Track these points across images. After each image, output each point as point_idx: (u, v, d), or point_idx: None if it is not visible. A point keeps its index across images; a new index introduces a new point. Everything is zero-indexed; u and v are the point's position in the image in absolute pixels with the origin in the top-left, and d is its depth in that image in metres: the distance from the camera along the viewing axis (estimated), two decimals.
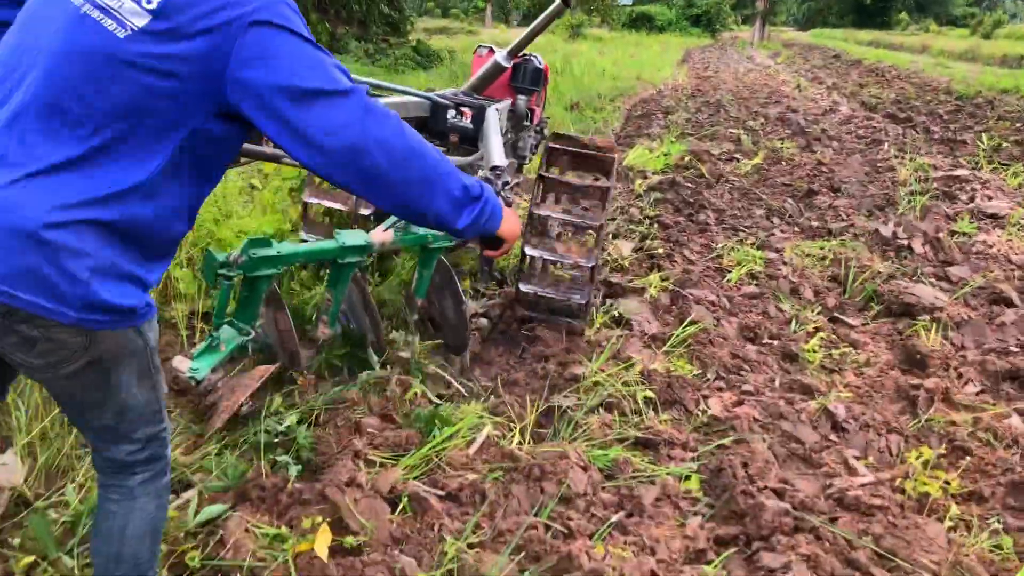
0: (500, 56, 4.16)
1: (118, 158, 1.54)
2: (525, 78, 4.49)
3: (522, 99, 4.50)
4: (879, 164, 9.99)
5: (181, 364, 2.66)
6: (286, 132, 1.62)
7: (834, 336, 4.82)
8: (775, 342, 4.61)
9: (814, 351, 4.51)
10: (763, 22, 52.45)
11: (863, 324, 5.13)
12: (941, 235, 6.59)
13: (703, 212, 7.27)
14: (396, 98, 3.85)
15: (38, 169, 1.49)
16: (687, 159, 9.19)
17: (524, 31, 4.11)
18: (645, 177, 8.35)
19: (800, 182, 9.00)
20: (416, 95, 3.88)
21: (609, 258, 5.85)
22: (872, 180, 9.16)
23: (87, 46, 1.53)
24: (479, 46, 4.73)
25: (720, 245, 6.34)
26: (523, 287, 4.19)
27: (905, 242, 6.45)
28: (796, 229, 7.20)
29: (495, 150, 3.45)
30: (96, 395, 1.69)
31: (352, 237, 3.07)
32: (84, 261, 1.50)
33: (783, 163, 10.25)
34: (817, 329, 4.83)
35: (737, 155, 10.28)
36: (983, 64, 32.11)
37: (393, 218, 3.21)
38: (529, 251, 4.09)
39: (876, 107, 15.80)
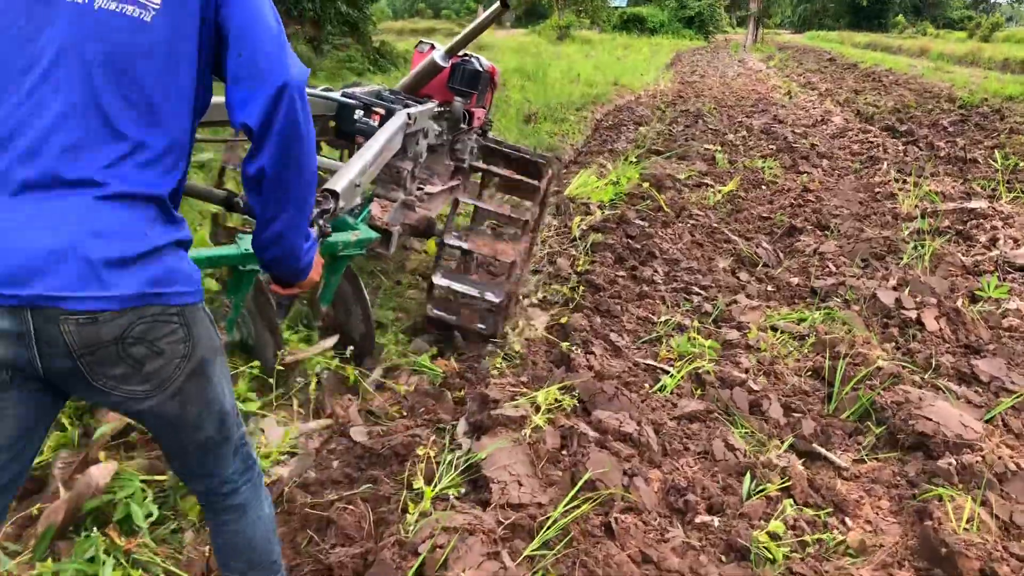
0: (438, 55, 4.05)
1: (162, 123, 1.58)
2: (463, 79, 4.35)
3: (459, 101, 4.33)
4: (877, 190, 8.30)
5: None
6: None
7: (811, 495, 3.12)
8: (716, 520, 2.90)
9: (777, 538, 2.81)
10: (757, 24, 50.73)
11: (855, 461, 3.45)
12: (960, 303, 4.90)
13: (650, 264, 5.57)
14: None
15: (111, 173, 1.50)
16: (644, 186, 7.48)
17: (464, 31, 4.06)
18: (588, 212, 6.65)
19: (781, 214, 7.31)
20: (319, 95, 3.59)
21: (516, 334, 4.21)
22: (868, 213, 7.47)
23: (117, 40, 1.52)
24: (420, 41, 4.64)
25: (663, 319, 4.65)
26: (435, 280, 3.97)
27: (912, 313, 4.76)
28: (770, 288, 5.51)
29: (350, 168, 2.87)
30: (200, 403, 1.69)
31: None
32: (154, 230, 1.53)
33: (763, 187, 8.56)
34: (785, 486, 3.12)
35: (708, 179, 8.58)
36: (984, 68, 30.33)
37: None
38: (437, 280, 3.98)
39: (873, 117, 14.07)
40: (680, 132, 11.99)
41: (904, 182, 8.41)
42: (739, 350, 4.35)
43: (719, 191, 7.92)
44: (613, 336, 4.30)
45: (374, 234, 3.27)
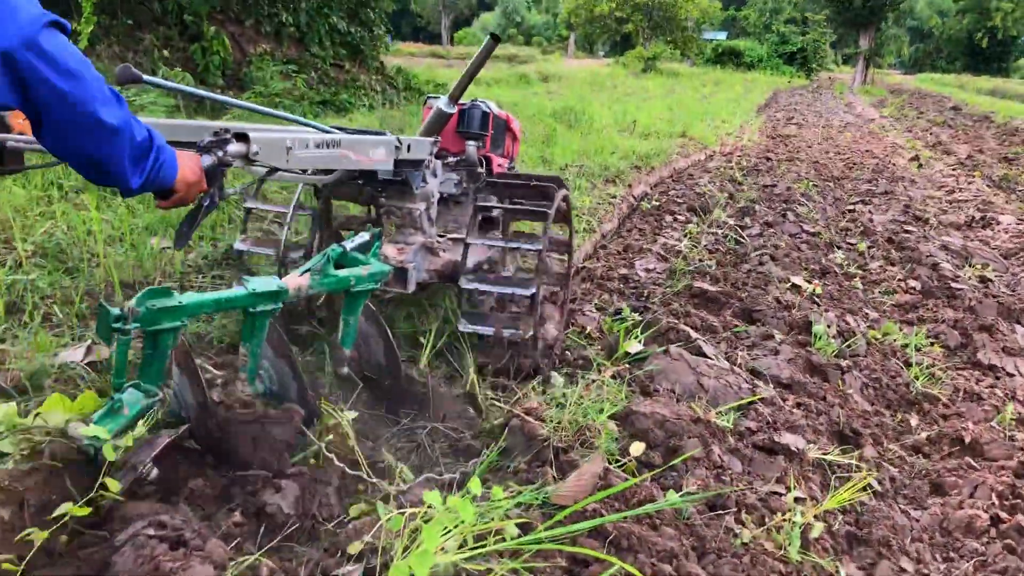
0: (442, 103, 3.79)
1: None
2: (471, 123, 4.16)
3: (471, 145, 4.14)
4: None
5: (77, 430, 2.28)
6: None
7: None
8: None
9: None
10: (867, 63, 44.78)
11: None
12: None
13: None
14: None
15: None
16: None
17: (463, 73, 3.73)
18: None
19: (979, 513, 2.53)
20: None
21: None
22: None
23: None
24: (427, 97, 4.46)
25: None
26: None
27: None
28: None
29: (289, 130, 2.84)
30: None
31: (263, 283, 2.71)
32: None
33: (915, 419, 3.78)
34: None
35: (797, 411, 3.79)
36: None
37: (311, 262, 2.94)
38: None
39: None
40: (754, 236, 7.15)
41: None
42: None
43: (830, 493, 3.16)
44: None
45: (387, 267, 3.17)
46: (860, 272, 6.39)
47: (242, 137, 2.30)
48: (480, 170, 4.16)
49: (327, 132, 3.08)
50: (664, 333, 4.32)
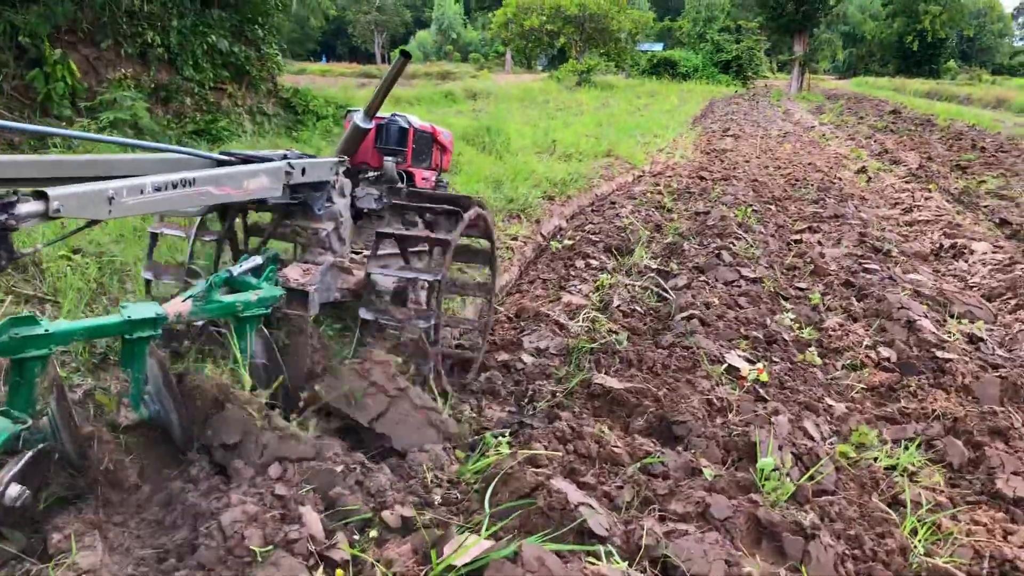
0: (358, 117, 3.81)
1: None
2: (388, 138, 4.16)
3: (389, 160, 4.09)
4: None
5: None
6: None
7: None
8: None
9: None
10: (802, 69, 44.06)
11: None
12: None
13: None
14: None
15: None
16: None
17: (377, 89, 3.73)
18: None
19: None
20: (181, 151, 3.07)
21: None
22: None
23: None
24: (348, 110, 4.32)
25: None
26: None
27: None
28: None
29: (114, 183, 2.37)
30: None
31: (140, 310, 2.69)
32: None
33: None
34: None
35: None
36: None
37: (193, 288, 2.95)
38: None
39: None
40: (680, 289, 5.63)
41: None
42: None
43: None
44: None
45: (277, 291, 3.11)
46: (815, 335, 4.90)
47: (40, 195, 2.12)
48: (400, 185, 4.10)
49: (184, 171, 2.69)
50: (530, 493, 2.74)
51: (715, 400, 3.70)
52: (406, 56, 3.57)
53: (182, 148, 3.08)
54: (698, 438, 3.36)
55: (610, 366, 4.14)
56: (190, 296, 2.89)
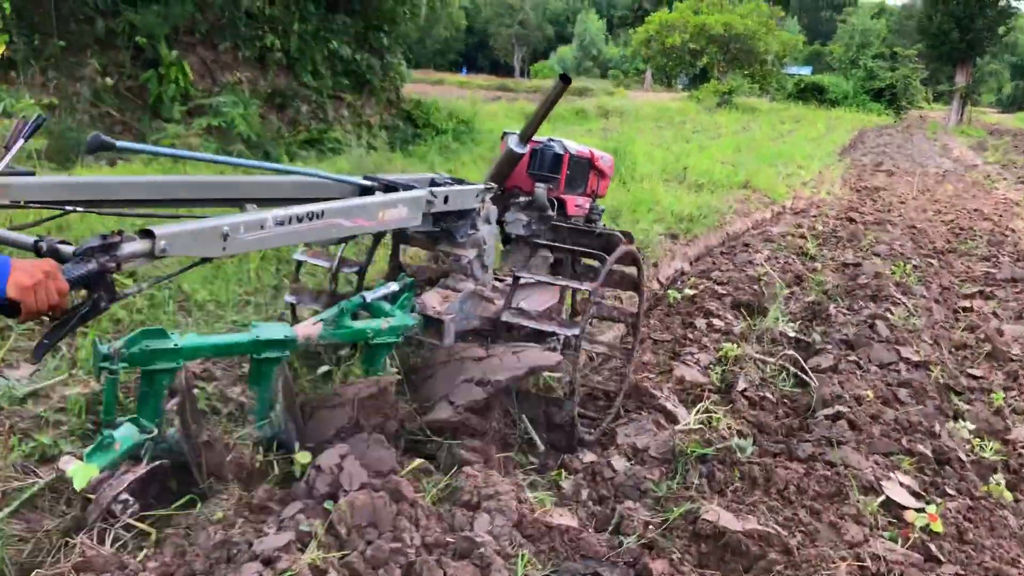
0: (512, 142, 3.72)
1: None
2: (542, 164, 3.99)
3: (540, 187, 3.91)
4: None
5: (67, 464, 2.42)
6: None
7: None
8: None
9: None
10: (963, 101, 41.02)
11: None
12: None
13: None
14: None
15: None
16: None
17: (534, 112, 3.61)
18: None
19: None
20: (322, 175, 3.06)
21: None
22: None
23: None
24: (505, 133, 3.99)
25: None
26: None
27: None
28: None
29: (233, 217, 2.33)
30: None
31: (269, 331, 2.70)
32: None
33: None
34: None
35: None
36: None
37: (327, 312, 2.93)
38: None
39: None
40: (823, 372, 4.55)
41: None
42: None
43: None
44: None
45: (410, 320, 3.11)
46: (1001, 453, 3.76)
47: (146, 234, 2.04)
48: (550, 213, 4.01)
49: (312, 203, 2.54)
50: None
51: (868, 561, 2.68)
52: (566, 80, 3.49)
53: (322, 172, 3.06)
54: None
55: (727, 484, 3.18)
56: (321, 319, 2.89)
